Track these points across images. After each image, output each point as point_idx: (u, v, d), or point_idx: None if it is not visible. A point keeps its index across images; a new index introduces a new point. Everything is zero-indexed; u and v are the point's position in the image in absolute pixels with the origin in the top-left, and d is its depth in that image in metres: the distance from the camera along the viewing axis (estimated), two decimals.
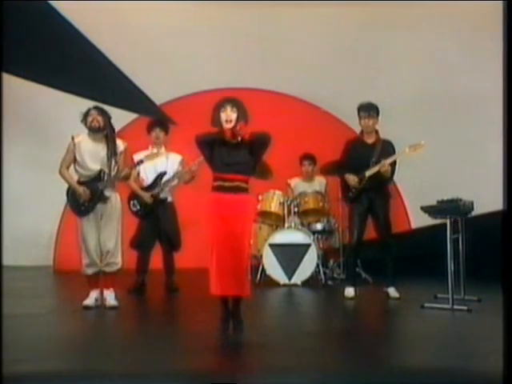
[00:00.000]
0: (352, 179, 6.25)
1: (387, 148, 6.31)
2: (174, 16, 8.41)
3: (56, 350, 4.40)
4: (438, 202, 5.69)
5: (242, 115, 4.66)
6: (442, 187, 7.50)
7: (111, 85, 7.51)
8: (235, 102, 4.66)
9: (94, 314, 5.66)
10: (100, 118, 5.74)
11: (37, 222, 9.31)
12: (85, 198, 5.73)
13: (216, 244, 4.60)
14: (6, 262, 7.85)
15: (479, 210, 6.19)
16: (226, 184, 4.61)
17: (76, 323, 5.38)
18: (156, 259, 6.91)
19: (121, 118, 7.10)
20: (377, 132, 6.37)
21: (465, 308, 5.51)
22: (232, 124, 4.62)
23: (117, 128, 6.14)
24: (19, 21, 6.56)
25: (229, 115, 4.62)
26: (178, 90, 8.79)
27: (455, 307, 5.53)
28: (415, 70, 8.39)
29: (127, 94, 7.73)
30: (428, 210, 5.72)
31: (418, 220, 7.93)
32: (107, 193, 5.77)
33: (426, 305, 5.65)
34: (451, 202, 5.66)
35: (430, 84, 8.30)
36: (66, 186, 5.93)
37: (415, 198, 8.10)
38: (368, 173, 6.19)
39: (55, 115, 8.63)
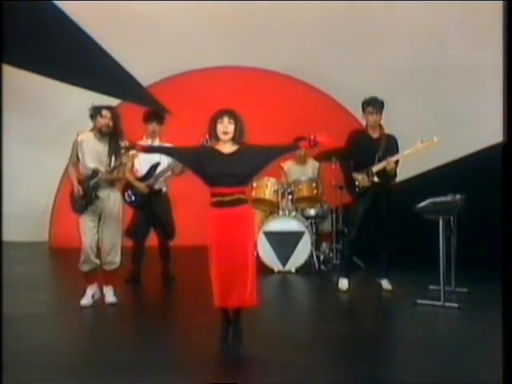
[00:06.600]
0: (361, 178, 6.21)
1: (391, 143, 6.27)
2: None
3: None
4: (431, 202, 5.73)
5: (240, 127, 4.59)
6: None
7: (104, 73, 7.37)
8: (233, 114, 4.59)
9: (91, 312, 5.75)
10: (111, 124, 5.70)
11: (31, 196, 9.31)
12: (78, 196, 5.75)
13: (220, 258, 4.55)
14: None
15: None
16: (227, 199, 4.54)
17: (73, 321, 5.54)
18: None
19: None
20: (381, 126, 6.32)
21: (456, 305, 5.66)
22: (229, 136, 4.58)
23: None
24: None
25: (226, 127, 4.54)
26: (165, 70, 8.64)
27: (446, 304, 5.68)
28: (412, 44, 8.24)
29: (120, 82, 7.60)
30: (421, 210, 5.76)
31: None
32: (101, 192, 5.74)
33: (419, 301, 5.79)
34: (443, 203, 5.71)
35: (427, 58, 8.20)
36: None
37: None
38: (375, 169, 6.18)
39: (51, 91, 8.48)
